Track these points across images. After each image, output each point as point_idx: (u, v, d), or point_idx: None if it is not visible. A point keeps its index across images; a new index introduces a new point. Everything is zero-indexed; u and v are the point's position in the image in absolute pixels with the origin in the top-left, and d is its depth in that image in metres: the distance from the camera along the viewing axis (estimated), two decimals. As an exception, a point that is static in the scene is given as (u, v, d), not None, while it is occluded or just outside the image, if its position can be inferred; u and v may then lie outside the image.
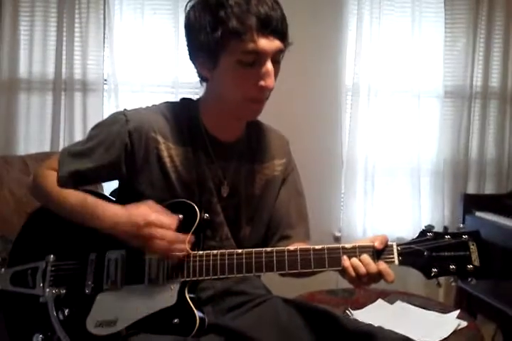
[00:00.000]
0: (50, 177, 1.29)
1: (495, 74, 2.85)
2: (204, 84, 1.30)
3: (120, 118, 1.27)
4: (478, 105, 2.85)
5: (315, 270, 1.16)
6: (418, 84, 2.79)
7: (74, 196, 1.25)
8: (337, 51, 2.81)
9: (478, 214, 2.58)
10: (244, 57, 1.15)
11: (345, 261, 1.13)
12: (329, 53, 2.80)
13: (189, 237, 1.17)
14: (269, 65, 1.17)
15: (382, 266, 1.12)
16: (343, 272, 1.15)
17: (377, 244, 1.14)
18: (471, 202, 2.63)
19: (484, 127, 2.85)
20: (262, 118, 1.34)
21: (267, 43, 1.14)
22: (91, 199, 1.24)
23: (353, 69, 2.78)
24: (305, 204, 1.45)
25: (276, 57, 1.19)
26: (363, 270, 1.11)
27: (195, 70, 1.28)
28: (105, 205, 1.22)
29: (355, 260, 1.13)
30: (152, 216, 1.16)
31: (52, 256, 1.28)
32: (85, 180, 1.31)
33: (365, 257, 1.13)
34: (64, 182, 1.28)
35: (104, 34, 2.70)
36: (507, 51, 2.82)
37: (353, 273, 1.12)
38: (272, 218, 1.39)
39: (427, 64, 2.81)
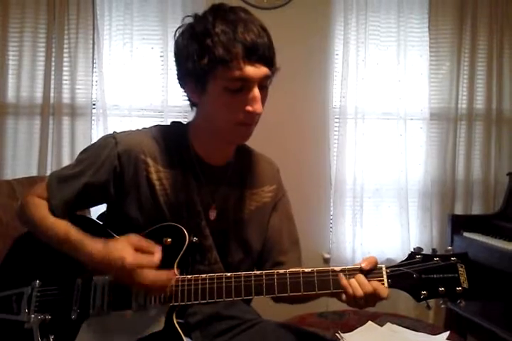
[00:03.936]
0: (38, 207, 1.28)
1: (479, 96, 2.90)
2: (194, 108, 1.31)
3: (109, 141, 1.28)
4: (463, 127, 2.90)
5: (305, 293, 1.15)
6: (404, 107, 2.83)
7: (59, 229, 1.23)
8: (324, 75, 2.85)
9: (466, 234, 2.60)
10: (231, 84, 1.16)
11: (343, 279, 1.13)
12: (316, 77, 2.84)
13: (171, 273, 1.16)
14: (255, 91, 1.18)
15: (375, 283, 1.12)
16: (338, 294, 1.15)
17: (364, 265, 1.14)
18: (459, 223, 2.66)
19: (470, 148, 2.90)
20: (249, 141, 1.34)
21: (253, 70, 1.16)
22: (74, 234, 1.21)
23: (340, 92, 2.82)
24: (296, 230, 1.45)
25: (263, 83, 1.20)
26: (359, 291, 1.11)
27: (186, 95, 1.29)
28: (85, 243, 1.19)
29: (353, 280, 1.13)
30: (129, 257, 1.13)
31: (37, 281, 1.26)
32: (76, 205, 1.31)
33: (360, 276, 1.13)
34: (57, 211, 1.27)
35: (93, 58, 2.72)
36: (491, 74, 2.88)
37: (351, 293, 1.11)
38: (265, 244, 1.39)
39: (412, 87, 2.86)
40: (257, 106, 1.19)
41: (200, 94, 1.22)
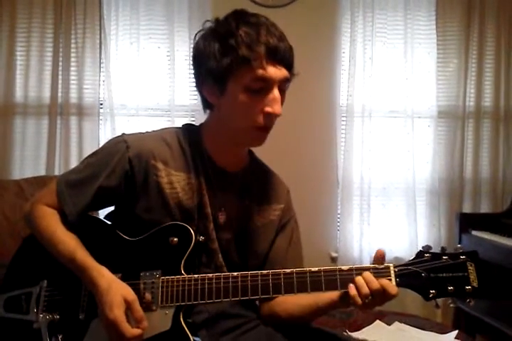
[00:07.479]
0: (47, 220, 1.26)
1: (487, 94, 2.89)
2: (208, 111, 1.31)
3: (121, 145, 1.27)
4: (471, 125, 2.89)
5: (311, 292, 1.14)
6: (412, 105, 2.82)
7: (64, 248, 1.22)
8: (331, 73, 2.84)
9: (474, 233, 2.58)
10: (253, 83, 1.17)
11: (352, 288, 1.12)
12: (323, 75, 2.84)
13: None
14: (276, 92, 1.19)
15: (384, 281, 1.11)
16: (345, 302, 1.15)
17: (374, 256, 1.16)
18: (467, 221, 2.64)
19: (478, 146, 2.88)
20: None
21: (275, 71, 1.17)
22: (80, 256, 1.20)
23: (347, 90, 2.81)
24: (302, 255, 1.42)
25: (282, 86, 1.21)
26: (366, 290, 1.10)
27: (201, 98, 1.29)
28: (91, 270, 1.17)
29: (359, 278, 1.12)
30: (116, 310, 1.10)
31: (46, 281, 1.27)
32: (89, 209, 1.30)
33: (367, 274, 1.12)
34: (71, 217, 1.26)
35: (100, 58, 2.73)
36: (498, 71, 2.87)
37: (359, 300, 1.10)
38: (267, 264, 1.35)
39: (420, 85, 2.85)
40: (277, 107, 1.19)
41: (218, 95, 1.22)
